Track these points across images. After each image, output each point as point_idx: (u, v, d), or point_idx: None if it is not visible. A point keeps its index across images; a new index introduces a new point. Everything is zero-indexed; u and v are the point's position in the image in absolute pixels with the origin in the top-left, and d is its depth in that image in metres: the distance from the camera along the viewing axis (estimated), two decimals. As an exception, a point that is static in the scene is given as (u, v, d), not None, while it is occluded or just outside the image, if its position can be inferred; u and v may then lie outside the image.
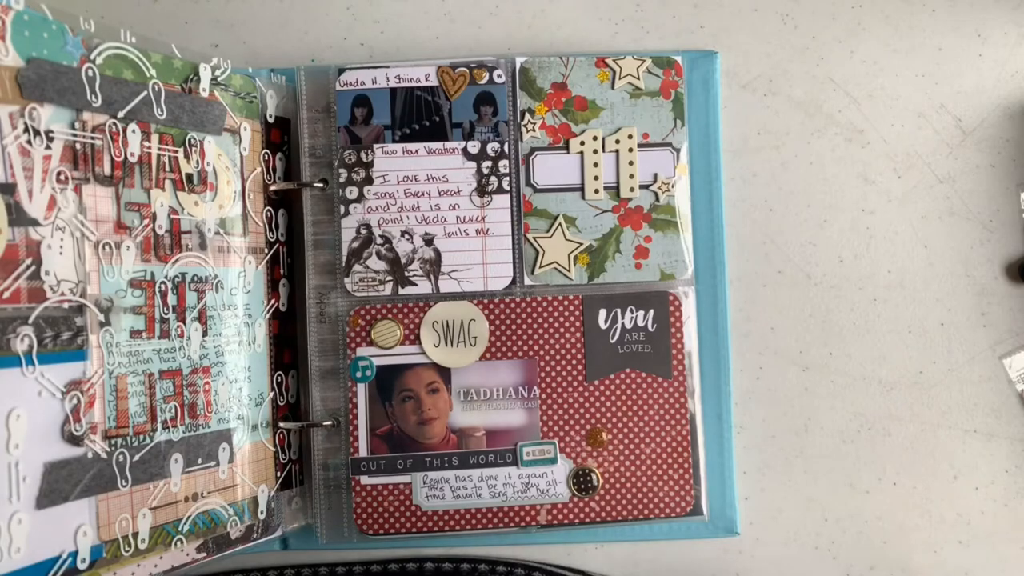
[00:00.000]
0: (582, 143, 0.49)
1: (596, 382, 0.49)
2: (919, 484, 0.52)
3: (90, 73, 0.39)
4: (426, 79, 0.49)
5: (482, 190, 0.49)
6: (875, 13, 0.53)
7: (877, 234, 0.52)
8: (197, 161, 0.45)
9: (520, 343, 0.49)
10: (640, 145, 0.49)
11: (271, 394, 0.49)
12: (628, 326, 0.49)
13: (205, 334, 0.45)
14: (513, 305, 0.49)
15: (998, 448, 0.52)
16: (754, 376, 0.52)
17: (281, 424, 0.49)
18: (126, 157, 0.41)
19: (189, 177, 0.44)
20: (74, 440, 0.38)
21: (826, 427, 0.52)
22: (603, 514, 0.49)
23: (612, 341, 0.49)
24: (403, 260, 0.49)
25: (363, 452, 0.48)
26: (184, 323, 0.44)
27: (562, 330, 0.49)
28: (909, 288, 0.52)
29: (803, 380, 0.52)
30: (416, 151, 0.49)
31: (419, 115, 0.49)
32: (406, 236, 0.49)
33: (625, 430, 0.49)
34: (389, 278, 0.49)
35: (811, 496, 0.52)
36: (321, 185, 0.49)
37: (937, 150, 0.53)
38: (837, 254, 0.52)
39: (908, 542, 0.52)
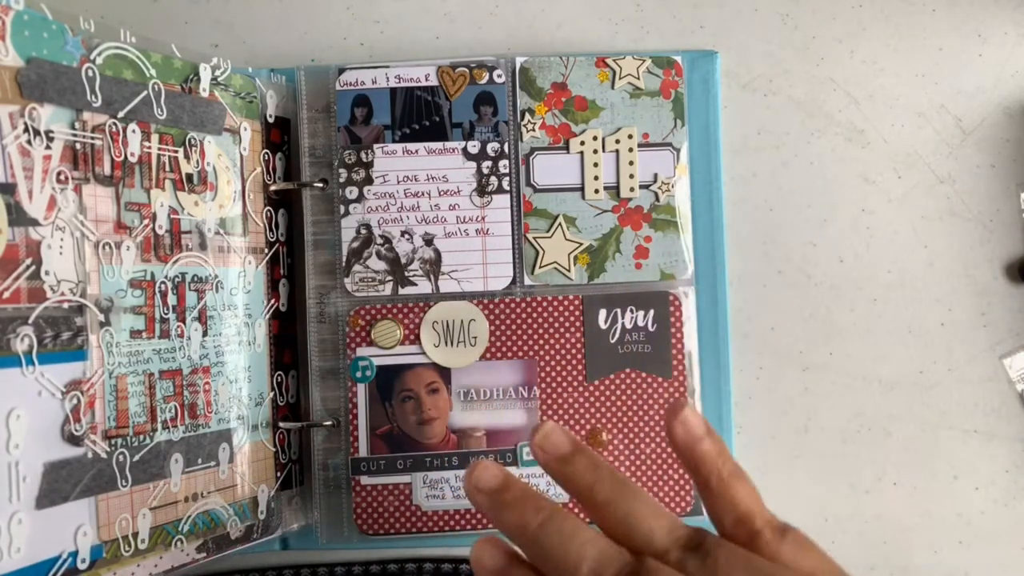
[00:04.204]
0: (582, 143, 0.49)
1: (596, 382, 0.49)
2: (919, 484, 0.52)
3: (90, 73, 0.39)
4: (426, 79, 0.49)
5: (482, 190, 0.49)
6: (875, 13, 0.53)
7: (877, 234, 0.52)
8: (197, 161, 0.45)
9: (520, 343, 0.49)
10: (640, 145, 0.49)
11: (271, 394, 0.49)
12: (628, 326, 0.49)
13: (205, 334, 0.45)
14: (513, 305, 0.49)
15: (998, 448, 0.52)
16: (754, 376, 0.52)
17: (281, 424, 0.49)
18: (126, 157, 0.41)
19: (189, 177, 0.44)
20: (74, 440, 0.38)
21: (826, 427, 0.52)
22: (603, 514, 0.49)
23: (612, 341, 0.49)
24: (403, 260, 0.49)
25: (363, 452, 0.48)
26: (184, 323, 0.44)
27: (562, 330, 0.49)
28: (909, 288, 0.52)
29: (803, 380, 0.52)
30: (416, 151, 0.49)
31: (419, 115, 0.49)
32: (406, 236, 0.49)
33: (625, 430, 0.49)
34: (389, 278, 0.49)
35: (811, 496, 0.52)
36: (321, 185, 0.49)
37: (937, 150, 0.53)
38: (837, 254, 0.52)
39: (908, 542, 0.52)
